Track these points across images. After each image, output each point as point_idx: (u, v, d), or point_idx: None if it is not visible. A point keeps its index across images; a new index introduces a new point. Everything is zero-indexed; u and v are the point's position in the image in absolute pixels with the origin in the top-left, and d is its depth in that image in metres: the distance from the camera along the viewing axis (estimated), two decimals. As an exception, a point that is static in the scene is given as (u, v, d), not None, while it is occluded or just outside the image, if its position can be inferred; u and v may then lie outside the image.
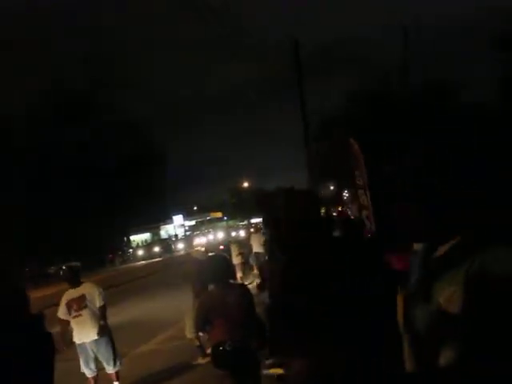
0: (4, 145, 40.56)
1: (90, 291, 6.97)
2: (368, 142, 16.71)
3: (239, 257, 17.62)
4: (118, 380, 7.21)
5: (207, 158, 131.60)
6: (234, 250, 17.81)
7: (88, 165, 50.03)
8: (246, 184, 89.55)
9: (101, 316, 6.94)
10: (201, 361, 8.09)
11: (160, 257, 49.89)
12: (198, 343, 8.28)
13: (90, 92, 53.69)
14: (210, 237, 54.44)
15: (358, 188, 10.11)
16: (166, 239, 67.13)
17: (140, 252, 56.68)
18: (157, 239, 72.24)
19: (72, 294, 6.93)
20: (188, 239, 57.07)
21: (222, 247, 20.07)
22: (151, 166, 60.06)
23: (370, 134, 25.81)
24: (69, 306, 6.87)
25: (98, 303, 6.95)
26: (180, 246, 59.91)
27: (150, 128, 61.71)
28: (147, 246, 60.48)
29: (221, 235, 55.55)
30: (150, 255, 52.73)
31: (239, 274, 16.77)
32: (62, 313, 6.91)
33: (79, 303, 6.85)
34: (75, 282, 6.99)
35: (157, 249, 56.20)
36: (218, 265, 4.95)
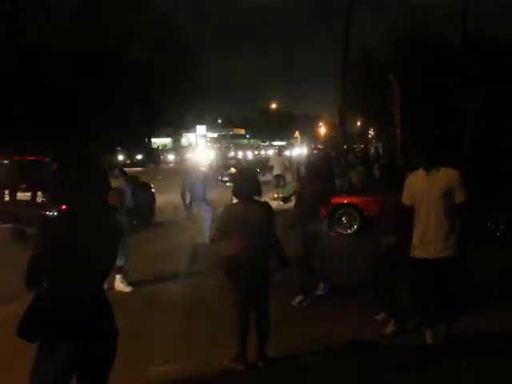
0: None
1: None
2: (405, 84, 16.22)
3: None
4: (120, 273, 7.35)
5: (239, 75, 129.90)
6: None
7: (122, 60, 48.57)
8: (274, 105, 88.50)
9: None
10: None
11: (144, 166, 41.27)
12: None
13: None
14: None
15: (396, 127, 10.17)
16: (155, 149, 63.42)
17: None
18: (177, 146, 72.24)
19: None
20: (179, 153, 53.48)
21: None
22: (183, 68, 57.48)
23: (410, 76, 25.05)
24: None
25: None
26: (171, 157, 57.14)
27: (186, 34, 59.12)
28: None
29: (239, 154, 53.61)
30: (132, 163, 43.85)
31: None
32: None
33: None
34: None
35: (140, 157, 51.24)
36: (245, 179, 4.90)
